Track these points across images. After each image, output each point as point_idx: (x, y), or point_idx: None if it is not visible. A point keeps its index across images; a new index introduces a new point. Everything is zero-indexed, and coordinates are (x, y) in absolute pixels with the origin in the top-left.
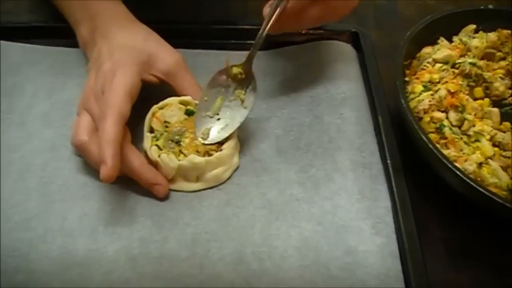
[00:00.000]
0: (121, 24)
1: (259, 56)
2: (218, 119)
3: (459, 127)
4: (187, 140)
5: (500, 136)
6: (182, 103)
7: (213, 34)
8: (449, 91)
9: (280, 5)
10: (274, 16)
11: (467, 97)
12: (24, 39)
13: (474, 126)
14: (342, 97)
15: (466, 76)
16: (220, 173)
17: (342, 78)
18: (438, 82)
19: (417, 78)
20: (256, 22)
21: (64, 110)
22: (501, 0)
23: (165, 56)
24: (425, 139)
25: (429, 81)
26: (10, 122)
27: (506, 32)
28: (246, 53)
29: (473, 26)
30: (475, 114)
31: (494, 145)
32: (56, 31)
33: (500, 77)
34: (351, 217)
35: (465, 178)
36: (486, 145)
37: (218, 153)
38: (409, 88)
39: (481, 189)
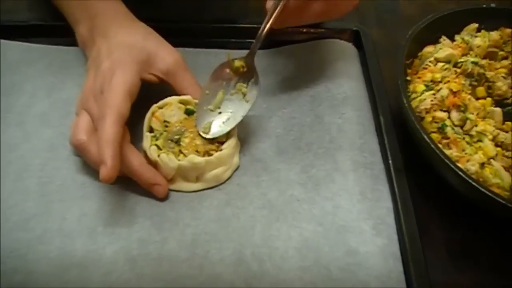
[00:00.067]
0: (121, 23)
1: (259, 55)
2: (220, 112)
3: (461, 127)
4: (186, 140)
5: (502, 136)
6: (182, 102)
7: (213, 33)
8: (451, 90)
9: None
10: (277, 10)
11: (469, 96)
12: (23, 38)
13: (476, 126)
14: (343, 97)
15: (468, 75)
16: (220, 173)
17: (343, 77)
18: (440, 82)
19: (419, 78)
20: (257, 21)
21: (63, 110)
22: None
23: (165, 55)
24: (427, 139)
25: (431, 81)
26: (8, 121)
27: (508, 31)
28: (247, 51)
29: (475, 25)
30: (477, 114)
31: (496, 145)
32: (55, 29)
33: (502, 76)
34: (352, 217)
35: (467, 179)
36: (488, 145)
37: (218, 153)
38: (411, 87)
39: (483, 190)
